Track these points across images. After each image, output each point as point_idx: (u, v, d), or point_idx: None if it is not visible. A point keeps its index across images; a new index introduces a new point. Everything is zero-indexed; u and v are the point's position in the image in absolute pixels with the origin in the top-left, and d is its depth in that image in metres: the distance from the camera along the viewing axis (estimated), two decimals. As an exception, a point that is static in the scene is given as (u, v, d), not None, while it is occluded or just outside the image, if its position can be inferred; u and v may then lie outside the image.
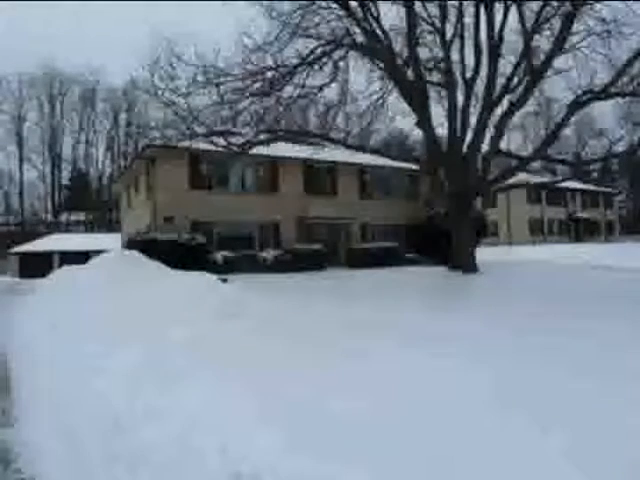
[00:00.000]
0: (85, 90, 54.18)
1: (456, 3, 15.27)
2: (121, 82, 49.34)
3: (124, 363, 4.59)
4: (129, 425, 3.43)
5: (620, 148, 20.14)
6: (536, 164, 37.60)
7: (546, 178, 34.45)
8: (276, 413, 3.21)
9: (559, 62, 15.47)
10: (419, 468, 2.51)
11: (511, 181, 17.81)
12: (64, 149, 54.67)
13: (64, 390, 4.57)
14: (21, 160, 51.90)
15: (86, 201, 52.01)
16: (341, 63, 15.47)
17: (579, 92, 15.05)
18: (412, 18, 14.46)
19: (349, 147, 17.52)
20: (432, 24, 15.69)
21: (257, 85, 14.41)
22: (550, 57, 14.56)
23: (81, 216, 51.71)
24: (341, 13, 14.69)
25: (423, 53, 16.00)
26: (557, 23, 14.53)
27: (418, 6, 14.99)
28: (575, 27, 14.34)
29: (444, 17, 15.29)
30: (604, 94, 14.80)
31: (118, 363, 4.63)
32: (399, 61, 15.51)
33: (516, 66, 15.26)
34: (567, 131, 35.53)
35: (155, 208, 17.70)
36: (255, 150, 16.25)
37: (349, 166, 21.84)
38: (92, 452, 3.31)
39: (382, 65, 15.56)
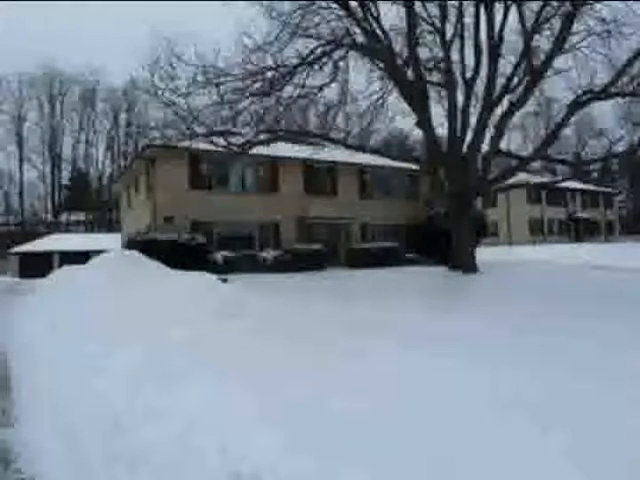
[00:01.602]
0: (85, 90, 54.23)
1: (456, 3, 15.26)
2: (121, 82, 49.43)
3: (124, 363, 4.59)
4: (129, 425, 3.43)
5: (620, 148, 20.08)
6: (536, 164, 37.60)
7: (546, 178, 34.43)
8: (276, 413, 3.21)
9: (559, 62, 15.47)
10: (419, 468, 2.51)
11: (511, 181, 17.81)
12: (64, 149, 54.81)
13: (64, 390, 4.57)
14: (21, 160, 51.97)
15: (86, 201, 52.01)
16: (341, 63, 15.47)
17: (579, 92, 15.04)
18: (412, 18, 14.46)
19: (349, 147, 17.50)
20: (432, 24, 15.67)
21: (257, 85, 14.40)
22: (550, 57, 14.55)
23: (81, 216, 51.71)
24: (341, 13, 14.68)
25: (423, 53, 16.01)
26: (557, 23, 14.52)
27: (418, 6, 14.97)
28: (575, 27, 14.34)
29: (444, 17, 15.28)
30: (604, 94, 14.78)
31: (118, 363, 4.63)
32: (399, 61, 15.49)
33: (516, 66, 15.24)
34: (567, 131, 35.50)
35: (155, 208, 17.70)
36: (255, 150, 16.24)
37: (349, 166, 21.83)
38: (92, 452, 3.30)
39: (382, 65, 15.54)
